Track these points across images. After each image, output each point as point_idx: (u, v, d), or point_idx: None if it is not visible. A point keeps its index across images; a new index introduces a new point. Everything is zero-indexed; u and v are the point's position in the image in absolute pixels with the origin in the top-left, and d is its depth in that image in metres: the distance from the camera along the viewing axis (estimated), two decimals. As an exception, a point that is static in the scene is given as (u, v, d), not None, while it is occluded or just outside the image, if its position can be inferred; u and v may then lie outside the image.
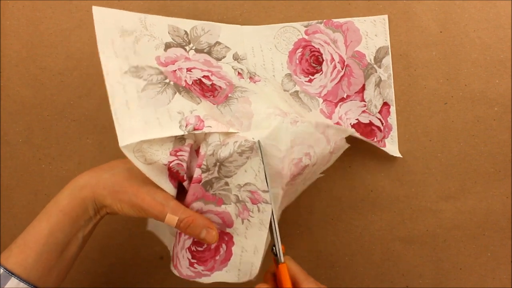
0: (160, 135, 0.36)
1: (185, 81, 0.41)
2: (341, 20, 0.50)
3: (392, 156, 0.50)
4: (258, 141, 0.38)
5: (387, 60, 0.50)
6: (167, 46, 0.42)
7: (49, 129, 0.52)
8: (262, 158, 0.38)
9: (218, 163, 0.38)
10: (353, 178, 0.51)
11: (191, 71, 0.43)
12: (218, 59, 0.46)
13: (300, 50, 0.49)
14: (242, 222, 0.41)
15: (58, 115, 0.52)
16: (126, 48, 0.39)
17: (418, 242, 0.51)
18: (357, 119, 0.50)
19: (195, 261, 0.42)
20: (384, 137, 0.50)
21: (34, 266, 0.36)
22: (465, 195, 0.50)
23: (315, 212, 0.52)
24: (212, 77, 0.44)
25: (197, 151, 0.40)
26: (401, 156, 0.50)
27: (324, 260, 0.52)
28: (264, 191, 0.39)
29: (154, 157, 0.37)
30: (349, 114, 0.50)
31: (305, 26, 0.50)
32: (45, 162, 0.53)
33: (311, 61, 0.49)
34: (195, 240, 0.41)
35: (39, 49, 0.52)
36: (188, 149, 0.38)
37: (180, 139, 0.38)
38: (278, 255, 0.38)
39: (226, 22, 0.50)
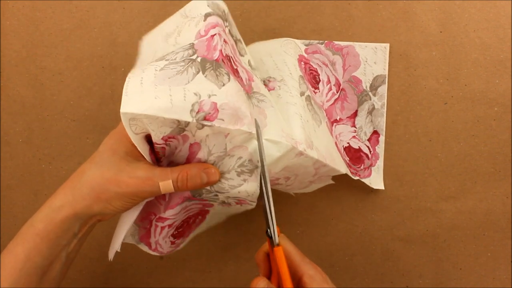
0: (167, 115, 0.32)
1: (220, 50, 0.35)
2: (342, 43, 0.50)
3: (392, 156, 0.50)
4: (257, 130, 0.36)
5: (383, 89, 0.50)
6: (207, 15, 0.38)
7: (49, 129, 0.52)
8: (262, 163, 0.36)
9: None
10: (353, 178, 0.51)
11: (226, 43, 0.38)
12: (241, 54, 0.43)
13: (303, 63, 0.48)
14: (222, 206, 0.42)
15: (58, 115, 0.52)
16: (166, 48, 0.37)
17: (418, 242, 0.51)
18: (348, 143, 0.50)
19: (175, 239, 0.43)
20: (371, 165, 0.50)
21: None
22: (465, 195, 0.50)
23: (315, 212, 0.52)
24: (237, 64, 0.40)
25: (191, 145, 0.37)
26: (383, 189, 0.50)
27: (324, 260, 0.52)
28: (251, 201, 0.39)
29: (146, 131, 0.35)
30: (342, 136, 0.50)
31: (306, 45, 0.50)
32: (45, 162, 0.53)
33: (311, 76, 0.48)
34: (178, 226, 0.42)
35: (39, 49, 0.52)
36: (181, 138, 0.36)
37: (181, 128, 0.35)
38: (272, 237, 0.35)
39: (226, 22, 0.51)
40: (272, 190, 0.37)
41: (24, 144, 0.52)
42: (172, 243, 0.43)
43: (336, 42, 0.50)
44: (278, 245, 0.35)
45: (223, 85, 0.34)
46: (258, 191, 0.38)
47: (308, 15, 0.51)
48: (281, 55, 0.46)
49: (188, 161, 0.37)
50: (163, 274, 0.53)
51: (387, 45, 0.50)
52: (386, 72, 0.50)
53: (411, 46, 0.50)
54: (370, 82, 0.50)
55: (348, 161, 0.49)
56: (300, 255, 0.36)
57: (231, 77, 0.35)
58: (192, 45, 0.36)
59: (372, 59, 0.50)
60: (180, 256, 0.52)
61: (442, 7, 0.50)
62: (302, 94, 0.44)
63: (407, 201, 0.51)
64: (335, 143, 0.48)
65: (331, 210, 0.52)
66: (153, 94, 0.32)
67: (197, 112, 0.33)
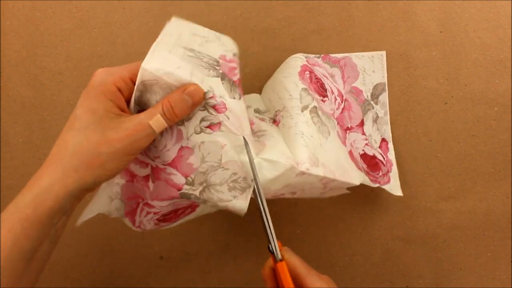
0: (183, 76, 0.33)
1: (239, 78, 0.38)
2: (339, 56, 0.50)
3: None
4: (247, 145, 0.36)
5: (384, 97, 0.50)
6: (235, 55, 0.39)
7: (49, 129, 0.52)
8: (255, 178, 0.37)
9: (204, 184, 0.37)
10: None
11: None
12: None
13: (307, 72, 0.47)
14: (211, 207, 0.43)
15: (58, 115, 0.52)
16: (191, 41, 0.37)
17: (418, 242, 0.51)
18: (363, 150, 0.49)
19: (160, 222, 0.44)
20: (388, 172, 0.49)
21: None
22: (465, 195, 0.50)
23: (315, 212, 0.52)
24: None
25: (182, 148, 0.36)
26: (402, 195, 0.49)
27: (324, 260, 0.52)
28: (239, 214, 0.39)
29: (146, 101, 0.35)
30: (356, 143, 0.49)
31: (305, 57, 0.49)
32: (45, 162, 0.52)
33: (318, 85, 0.47)
34: (164, 214, 0.43)
35: (39, 49, 0.52)
36: (175, 133, 0.36)
37: (181, 120, 0.35)
38: (275, 253, 0.35)
39: (226, 22, 0.51)
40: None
41: (24, 144, 0.52)
42: (156, 224, 0.44)
43: (333, 55, 0.50)
44: (281, 260, 0.35)
45: (233, 99, 0.36)
46: (246, 210, 0.37)
47: (308, 15, 0.51)
48: (281, 84, 0.46)
49: (174, 163, 0.36)
50: (163, 274, 0.53)
51: (384, 53, 0.50)
52: (385, 80, 0.50)
53: (411, 46, 0.50)
54: (371, 91, 0.50)
55: (366, 168, 0.48)
56: (306, 268, 0.35)
57: (242, 98, 0.37)
58: (217, 61, 0.37)
59: (370, 68, 0.50)
60: (180, 256, 0.52)
61: (442, 7, 0.50)
62: (305, 108, 0.43)
63: (407, 201, 0.51)
64: (350, 151, 0.47)
65: (331, 210, 0.52)
66: (177, 64, 0.34)
67: (210, 98, 0.35)
